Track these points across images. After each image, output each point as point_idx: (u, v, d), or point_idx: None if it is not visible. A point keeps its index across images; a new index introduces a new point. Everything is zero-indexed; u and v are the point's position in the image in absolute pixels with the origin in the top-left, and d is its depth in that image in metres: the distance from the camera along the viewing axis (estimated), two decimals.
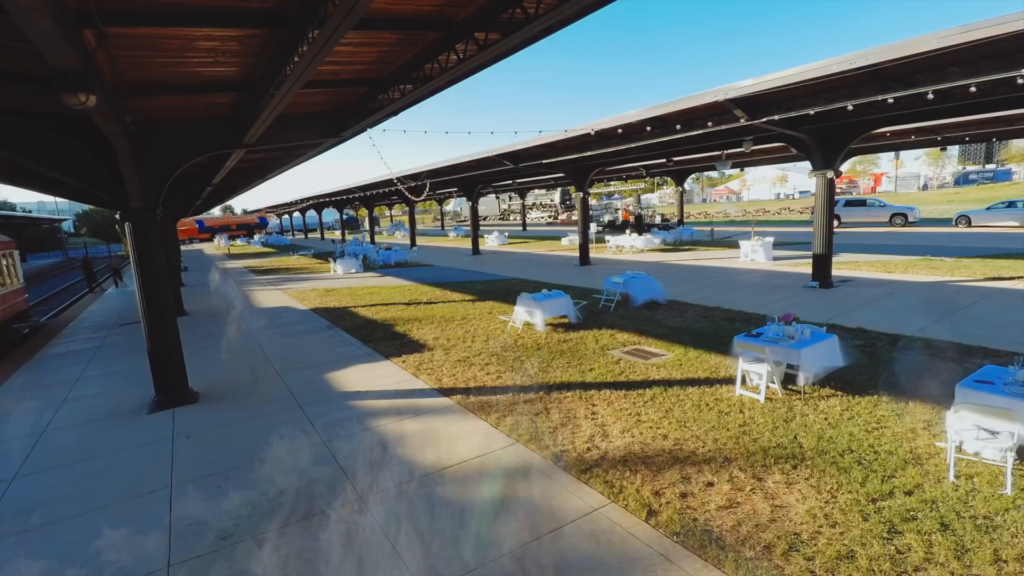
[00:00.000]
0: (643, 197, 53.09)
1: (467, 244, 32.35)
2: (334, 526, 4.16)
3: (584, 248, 19.97)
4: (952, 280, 12.39)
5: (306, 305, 14.83)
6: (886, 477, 4.37)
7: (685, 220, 31.48)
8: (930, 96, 8.63)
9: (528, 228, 48.91)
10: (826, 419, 5.50)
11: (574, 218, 49.77)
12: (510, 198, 62.67)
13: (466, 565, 3.63)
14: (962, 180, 56.76)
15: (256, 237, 62.71)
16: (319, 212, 54.72)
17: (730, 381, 6.63)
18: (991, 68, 7.46)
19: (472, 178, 24.20)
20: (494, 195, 59.45)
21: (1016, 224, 23.35)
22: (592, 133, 13.93)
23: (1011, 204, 24.18)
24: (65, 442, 6.32)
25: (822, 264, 12.47)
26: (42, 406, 7.67)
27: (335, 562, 3.73)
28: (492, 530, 4.00)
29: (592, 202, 45.89)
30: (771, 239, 18.48)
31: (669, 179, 35.68)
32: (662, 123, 12.42)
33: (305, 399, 7.13)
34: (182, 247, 40.03)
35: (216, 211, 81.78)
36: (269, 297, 17.04)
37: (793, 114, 10.12)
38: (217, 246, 52.55)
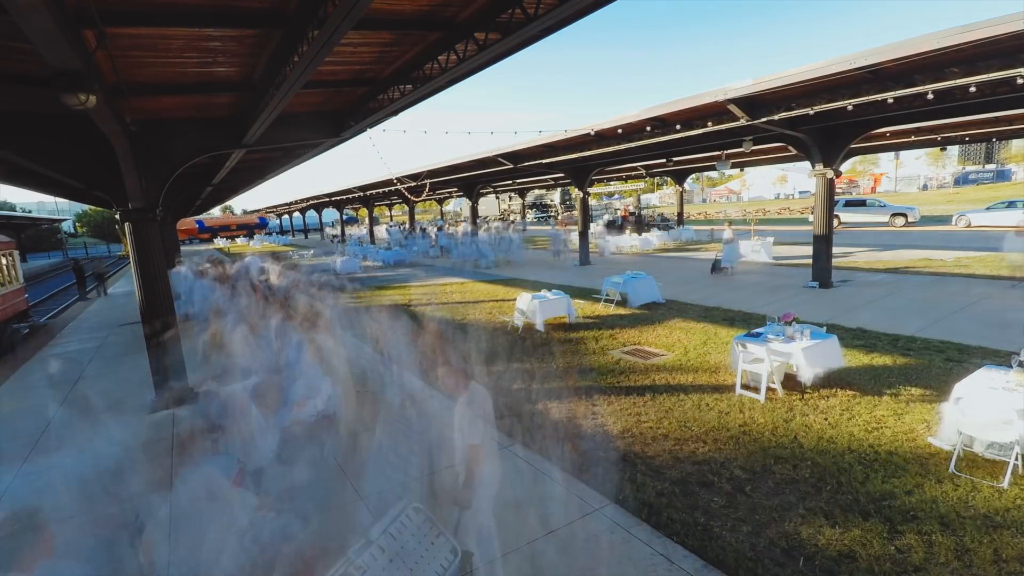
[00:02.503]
0: (643, 197, 53.06)
1: None
2: None
3: (584, 248, 19.98)
4: (952, 279, 12.39)
5: None
6: (886, 477, 4.37)
7: (685, 220, 31.46)
8: (930, 96, 8.62)
9: (528, 228, 48.89)
10: (826, 419, 5.50)
11: (574, 217, 49.72)
12: (510, 198, 62.63)
13: None
14: (962, 180, 56.75)
15: (256, 237, 62.76)
16: (319, 212, 54.72)
17: (730, 381, 6.63)
18: (991, 68, 7.47)
19: (472, 178, 24.18)
20: (494, 195, 59.43)
21: (1016, 224, 23.33)
22: (592, 133, 13.93)
23: (1011, 204, 24.19)
24: (65, 442, 6.32)
25: (822, 264, 12.47)
26: (42, 406, 7.67)
27: None
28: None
29: (592, 202, 45.85)
30: (771, 239, 18.49)
31: (669, 179, 35.66)
32: (662, 123, 12.42)
33: None
34: (182, 247, 40.03)
35: (216, 211, 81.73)
36: None
37: (793, 114, 10.13)
38: (217, 246, 52.59)
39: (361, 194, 33.70)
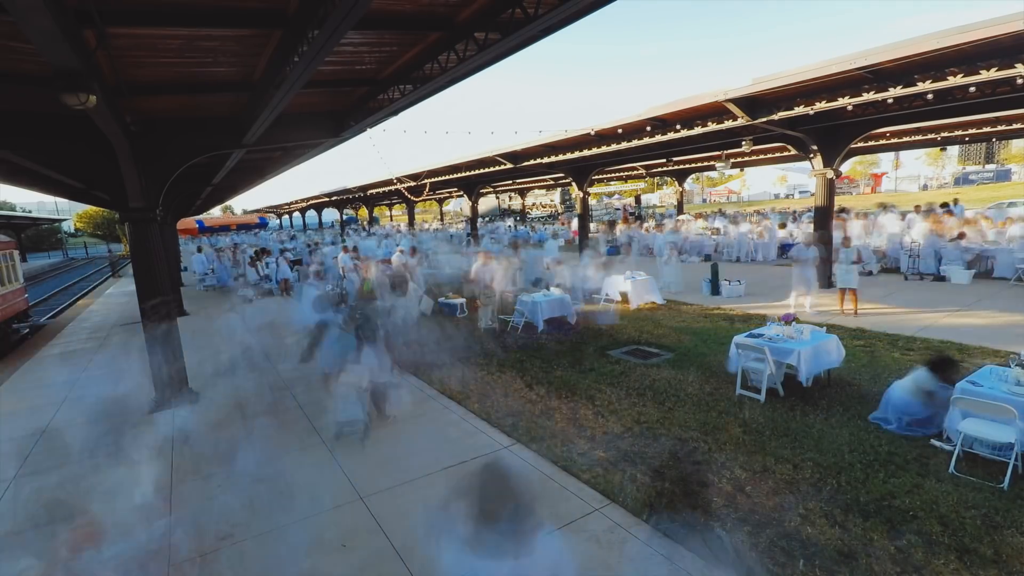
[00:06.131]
0: (643, 197, 52.96)
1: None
2: None
3: (583, 248, 19.97)
4: (951, 278, 12.37)
5: None
6: (887, 477, 4.37)
7: None
8: (930, 96, 8.63)
9: None
10: (827, 419, 5.50)
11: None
12: (510, 198, 62.62)
13: None
14: (962, 180, 56.70)
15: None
16: (319, 212, 54.72)
17: (730, 381, 6.62)
18: (991, 68, 7.46)
19: (472, 178, 24.17)
20: (494, 195, 59.37)
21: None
22: (592, 133, 13.94)
23: (1011, 204, 24.22)
24: (65, 442, 6.31)
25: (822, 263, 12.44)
26: (42, 406, 7.67)
27: None
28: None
29: (592, 202, 45.74)
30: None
31: (669, 179, 35.68)
32: (662, 123, 12.42)
33: None
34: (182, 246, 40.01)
35: (216, 211, 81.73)
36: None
37: (793, 114, 10.13)
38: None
39: (361, 194, 33.71)
